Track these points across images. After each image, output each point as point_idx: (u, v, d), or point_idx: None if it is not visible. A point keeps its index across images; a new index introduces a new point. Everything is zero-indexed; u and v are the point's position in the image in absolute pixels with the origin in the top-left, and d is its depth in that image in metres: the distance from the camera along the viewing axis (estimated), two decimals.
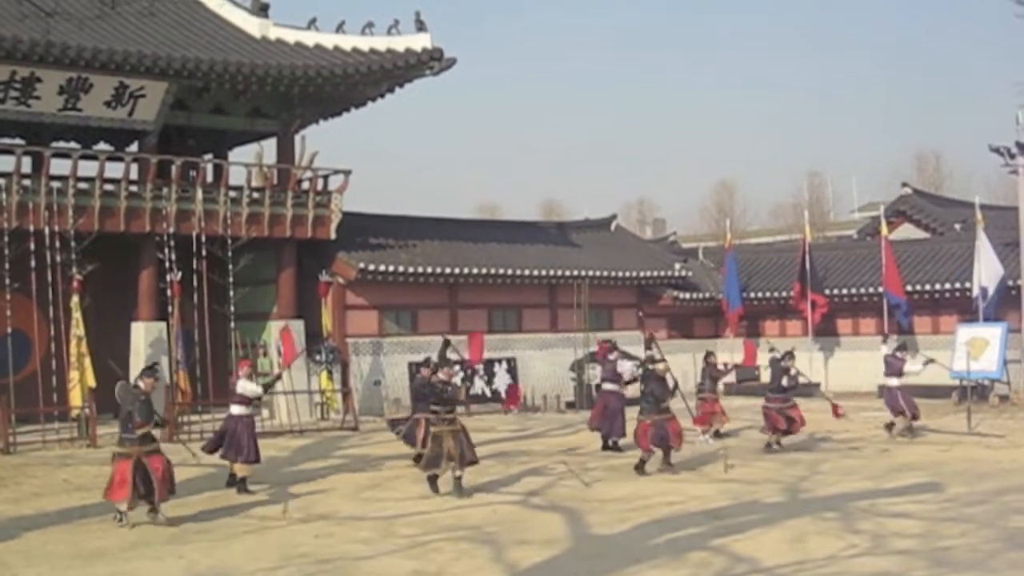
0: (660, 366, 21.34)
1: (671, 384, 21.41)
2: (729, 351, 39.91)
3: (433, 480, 18.31)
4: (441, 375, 19.14)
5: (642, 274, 39.46)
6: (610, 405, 24.12)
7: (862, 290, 37.88)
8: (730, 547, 13.60)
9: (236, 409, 19.67)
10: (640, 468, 20.31)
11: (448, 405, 18.62)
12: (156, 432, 16.93)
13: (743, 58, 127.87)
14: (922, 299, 36.79)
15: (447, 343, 21.03)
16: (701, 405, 25.54)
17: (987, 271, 34.06)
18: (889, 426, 25.53)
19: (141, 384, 16.71)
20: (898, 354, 26.21)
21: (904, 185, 50.25)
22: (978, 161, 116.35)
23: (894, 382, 25.65)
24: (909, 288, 36.46)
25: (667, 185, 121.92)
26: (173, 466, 16.74)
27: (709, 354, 26.89)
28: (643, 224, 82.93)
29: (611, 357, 24.67)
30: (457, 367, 20.12)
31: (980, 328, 33.32)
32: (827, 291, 38.22)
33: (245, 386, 19.73)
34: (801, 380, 24.29)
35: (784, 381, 23.71)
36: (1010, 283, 34.43)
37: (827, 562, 12.80)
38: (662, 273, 39.99)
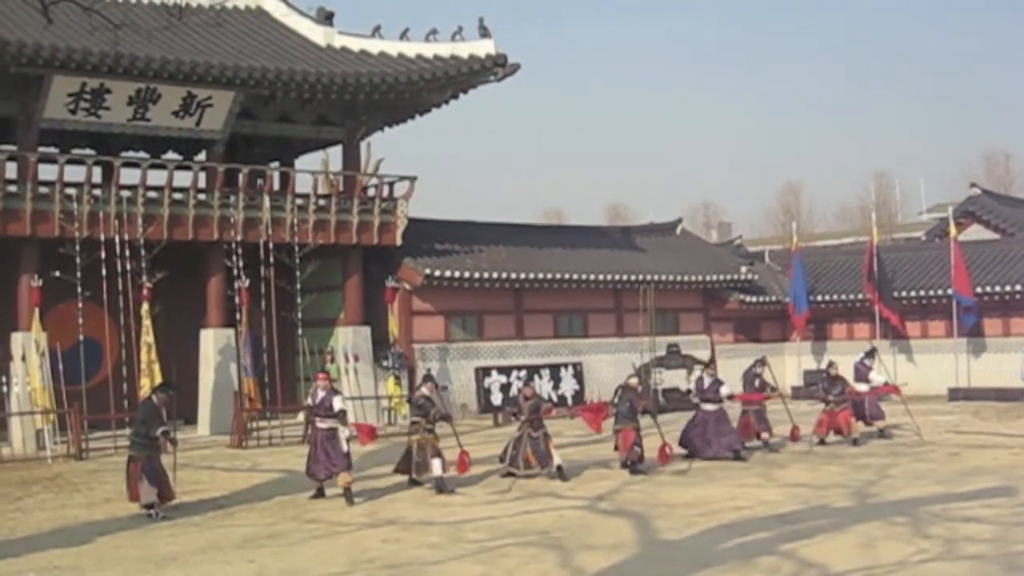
0: (633, 380, 22.88)
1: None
2: (796, 354, 39.79)
3: (411, 482, 19.95)
4: (424, 390, 20.43)
5: (708, 278, 39.30)
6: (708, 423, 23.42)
7: (931, 292, 37.50)
8: (799, 552, 13.51)
9: (324, 423, 18.92)
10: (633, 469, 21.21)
11: (426, 418, 19.87)
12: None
13: (809, 59, 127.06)
14: (992, 301, 36.36)
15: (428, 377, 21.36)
16: (829, 412, 25.14)
17: None
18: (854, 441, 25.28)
19: (154, 399, 18.47)
20: (866, 361, 26.98)
21: (973, 185, 49.69)
22: None
23: (863, 387, 26.17)
24: (979, 290, 36.05)
25: (732, 188, 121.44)
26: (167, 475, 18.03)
27: (831, 364, 26.25)
28: (708, 227, 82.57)
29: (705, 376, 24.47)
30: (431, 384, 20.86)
31: None
32: (896, 293, 37.89)
33: (342, 403, 19.11)
34: (769, 387, 25.04)
35: (756, 384, 24.85)
36: None
37: (897, 567, 12.68)
38: (728, 277, 39.81)
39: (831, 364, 26.25)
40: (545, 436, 20.81)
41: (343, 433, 18.72)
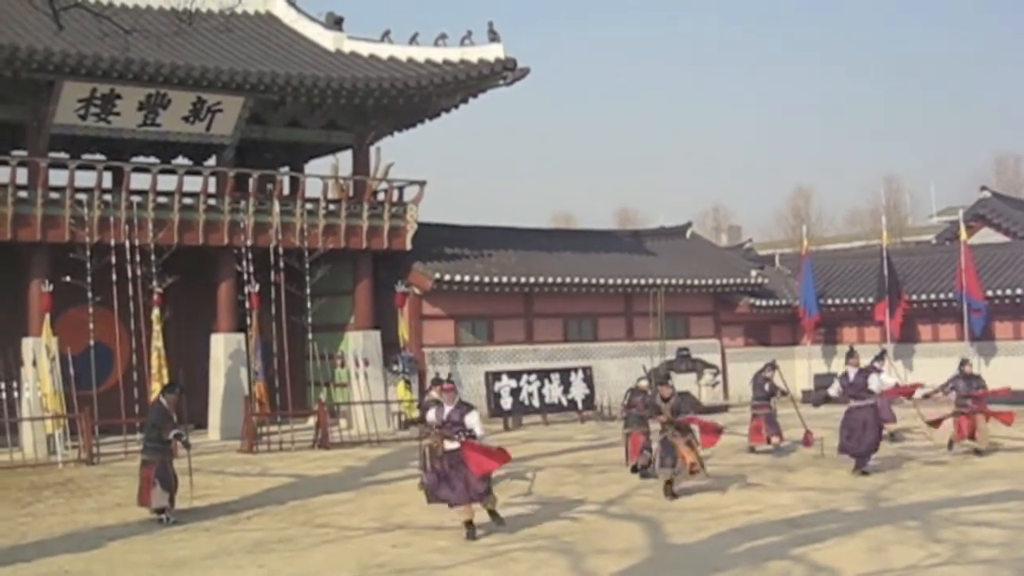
0: (643, 383, 22.30)
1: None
2: (806, 358, 39.75)
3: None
4: (434, 393, 19.69)
5: (718, 282, 39.28)
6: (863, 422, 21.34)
7: (941, 295, 37.43)
8: (810, 556, 13.50)
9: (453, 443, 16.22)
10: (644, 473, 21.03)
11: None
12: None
13: (818, 63, 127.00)
14: (1003, 304, 36.27)
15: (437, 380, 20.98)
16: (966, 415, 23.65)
17: None
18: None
19: (163, 400, 18.38)
20: (876, 364, 26.07)
21: (983, 189, 49.55)
22: None
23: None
24: (989, 293, 35.96)
25: (742, 192, 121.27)
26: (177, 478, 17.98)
27: (964, 362, 24.94)
28: (718, 231, 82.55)
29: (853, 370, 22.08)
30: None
31: None
32: (907, 296, 37.86)
33: (479, 424, 16.39)
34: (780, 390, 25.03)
35: (767, 388, 24.78)
36: None
37: (908, 571, 12.68)
38: (738, 280, 39.79)
39: (965, 361, 24.96)
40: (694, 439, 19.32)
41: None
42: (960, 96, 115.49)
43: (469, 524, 15.60)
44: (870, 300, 38.79)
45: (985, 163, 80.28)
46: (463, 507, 15.77)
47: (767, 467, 21.74)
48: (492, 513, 16.26)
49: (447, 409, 16.27)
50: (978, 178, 65.42)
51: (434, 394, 20.20)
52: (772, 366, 25.28)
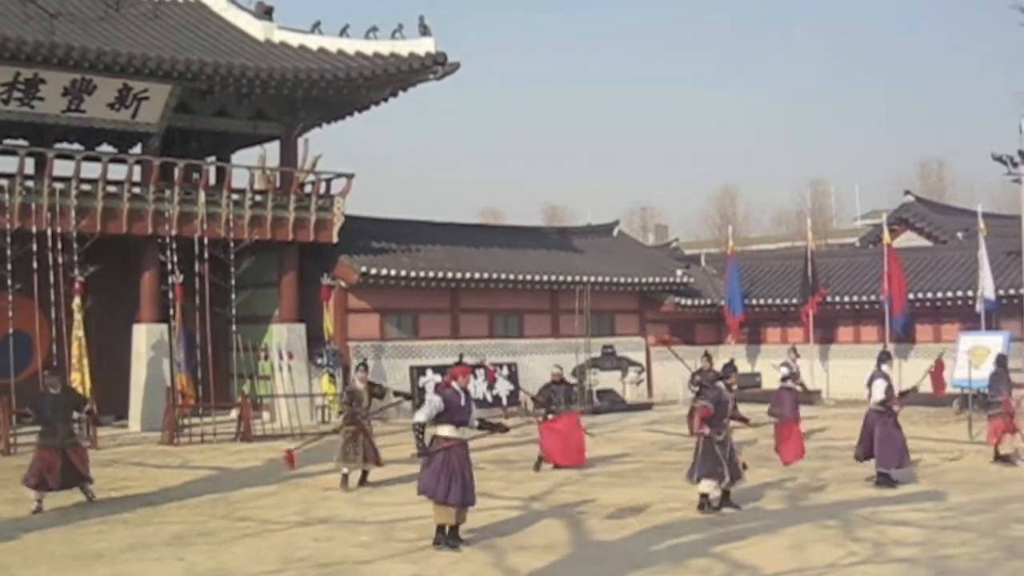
0: (555, 371, 22.94)
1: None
2: (731, 357, 40.00)
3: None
4: (357, 380, 20.55)
5: (644, 280, 39.46)
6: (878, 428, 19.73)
7: (864, 297, 37.84)
8: (731, 554, 13.58)
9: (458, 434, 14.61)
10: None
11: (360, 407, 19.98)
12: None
13: (746, 64, 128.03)
14: (924, 307, 36.72)
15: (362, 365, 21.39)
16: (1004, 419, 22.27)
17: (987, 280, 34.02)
18: None
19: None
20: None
21: (907, 193, 50.25)
22: (981, 169, 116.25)
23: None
24: (911, 296, 36.40)
25: (670, 191, 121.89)
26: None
27: (1001, 357, 23.66)
28: (645, 230, 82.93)
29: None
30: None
31: (982, 337, 33.21)
32: (828, 298, 38.24)
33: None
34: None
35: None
36: (1011, 292, 34.38)
37: (827, 570, 12.79)
38: (664, 279, 40.01)
39: (1004, 357, 23.66)
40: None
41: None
42: (886, 100, 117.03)
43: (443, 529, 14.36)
44: (794, 301, 39.16)
45: (909, 168, 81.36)
46: (456, 509, 14.32)
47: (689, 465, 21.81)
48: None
49: (463, 396, 14.49)
50: (902, 182, 66.31)
51: (357, 381, 20.27)
52: (708, 358, 25.18)
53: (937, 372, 24.26)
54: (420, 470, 14.63)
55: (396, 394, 22.07)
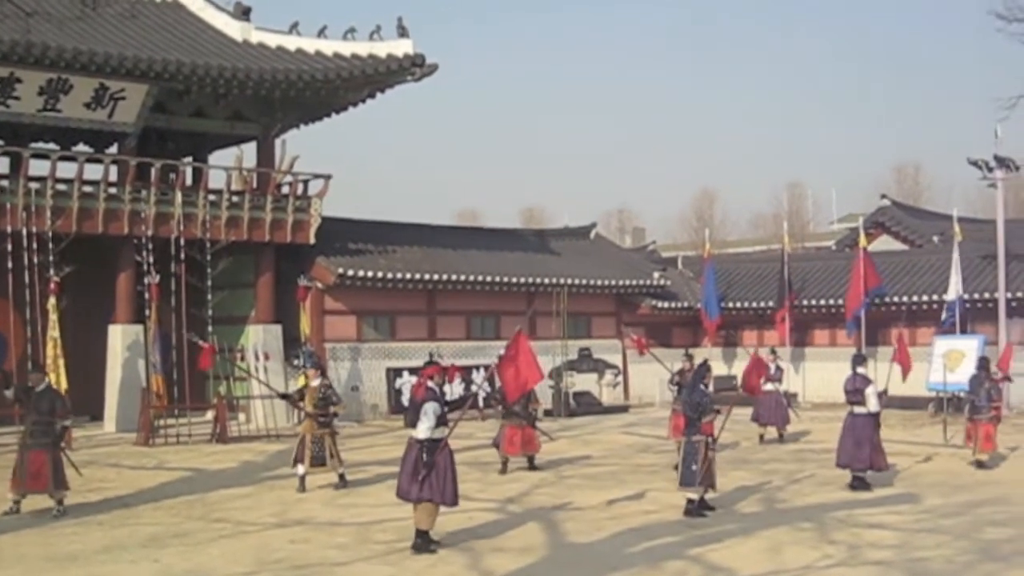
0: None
1: None
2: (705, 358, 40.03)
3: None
4: (312, 376, 20.50)
5: (621, 283, 39.51)
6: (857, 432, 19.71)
7: (839, 301, 37.94)
8: (707, 556, 13.60)
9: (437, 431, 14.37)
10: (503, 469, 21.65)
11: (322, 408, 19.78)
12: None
13: (725, 68, 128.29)
14: (899, 310, 36.85)
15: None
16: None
17: (957, 283, 34.25)
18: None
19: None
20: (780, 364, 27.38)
21: (883, 197, 50.47)
22: (957, 174, 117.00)
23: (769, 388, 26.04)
24: (887, 300, 36.52)
25: (647, 194, 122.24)
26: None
27: (987, 360, 23.46)
28: (623, 233, 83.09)
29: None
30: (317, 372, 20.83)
31: (957, 340, 33.34)
32: (805, 301, 38.37)
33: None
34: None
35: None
36: (987, 296, 34.56)
37: (803, 572, 12.84)
38: (641, 282, 40.07)
39: (986, 360, 23.50)
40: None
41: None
42: (863, 104, 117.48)
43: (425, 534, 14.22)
44: (771, 304, 39.28)
45: (886, 171, 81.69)
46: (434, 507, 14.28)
47: (666, 467, 21.84)
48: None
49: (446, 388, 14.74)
50: (879, 186, 66.59)
51: (313, 379, 20.31)
52: (688, 356, 25.30)
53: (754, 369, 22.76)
54: (399, 473, 14.59)
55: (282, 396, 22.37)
